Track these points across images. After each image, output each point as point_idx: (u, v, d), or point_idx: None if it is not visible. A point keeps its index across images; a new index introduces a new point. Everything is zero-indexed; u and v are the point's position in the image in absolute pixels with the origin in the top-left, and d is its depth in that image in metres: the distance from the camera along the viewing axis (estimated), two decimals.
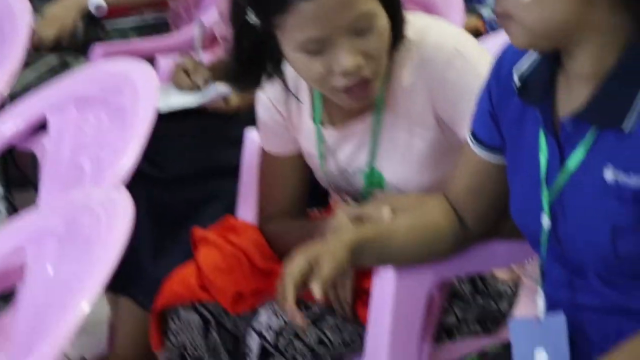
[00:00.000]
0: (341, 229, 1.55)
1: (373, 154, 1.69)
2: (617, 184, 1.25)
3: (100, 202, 1.42)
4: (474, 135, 1.45)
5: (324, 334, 1.63)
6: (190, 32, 2.71)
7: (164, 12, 2.94)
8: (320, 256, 1.40)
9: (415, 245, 1.49)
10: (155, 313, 1.80)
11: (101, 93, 1.86)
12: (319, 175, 1.78)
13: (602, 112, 1.26)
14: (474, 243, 1.53)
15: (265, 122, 1.79)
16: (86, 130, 1.86)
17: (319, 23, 1.51)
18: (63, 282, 1.37)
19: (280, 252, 1.76)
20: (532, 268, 1.89)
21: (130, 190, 1.41)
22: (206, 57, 2.46)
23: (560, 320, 1.33)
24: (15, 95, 2.37)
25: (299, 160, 1.79)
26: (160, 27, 2.91)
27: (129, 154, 1.67)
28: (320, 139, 1.73)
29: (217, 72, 2.25)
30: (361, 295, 1.63)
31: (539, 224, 1.33)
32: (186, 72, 2.31)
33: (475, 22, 2.97)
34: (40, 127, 1.99)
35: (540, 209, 1.33)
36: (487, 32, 2.92)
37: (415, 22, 1.65)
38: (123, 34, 2.89)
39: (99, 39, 2.81)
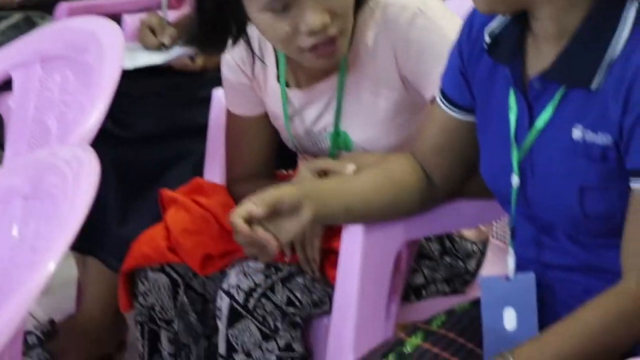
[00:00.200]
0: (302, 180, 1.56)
1: (338, 115, 1.69)
2: (585, 143, 1.26)
3: (66, 160, 1.40)
4: (444, 93, 1.46)
5: (293, 294, 1.64)
6: None
7: None
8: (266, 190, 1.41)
9: (380, 199, 1.49)
10: (123, 274, 1.79)
11: (66, 51, 1.84)
12: (285, 136, 1.78)
13: (569, 70, 1.26)
14: (442, 202, 1.53)
15: (231, 84, 1.78)
16: (52, 88, 1.85)
17: None
18: (29, 242, 1.36)
19: None
20: (500, 228, 1.91)
21: (96, 150, 1.40)
22: (173, 16, 2.44)
23: (529, 279, 1.34)
24: None
25: (266, 121, 1.79)
26: None
27: (94, 113, 1.66)
28: (286, 100, 1.72)
29: (184, 31, 2.24)
30: (330, 256, 1.64)
31: (509, 183, 1.34)
32: (152, 30, 2.29)
33: None
34: (5, 85, 1.97)
35: (509, 168, 1.33)
36: None
37: None
38: None
39: None
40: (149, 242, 1.75)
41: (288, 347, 1.64)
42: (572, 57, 1.26)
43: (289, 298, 1.64)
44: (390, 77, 1.64)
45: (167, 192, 1.82)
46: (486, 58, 1.36)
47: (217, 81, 1.90)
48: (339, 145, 1.72)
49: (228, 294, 1.64)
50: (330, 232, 1.63)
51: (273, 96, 1.75)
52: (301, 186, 1.45)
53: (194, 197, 1.79)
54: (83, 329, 2.23)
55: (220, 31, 1.63)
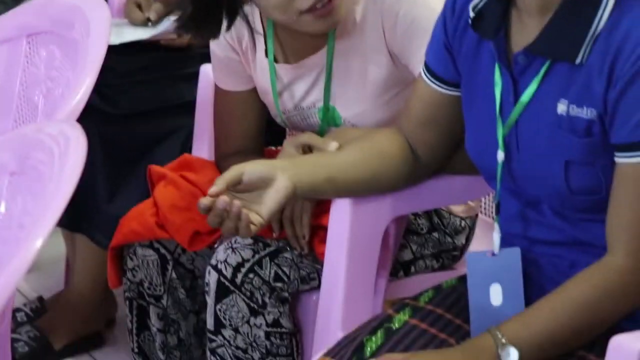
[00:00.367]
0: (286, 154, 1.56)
1: (327, 90, 1.70)
2: (569, 117, 1.27)
3: (53, 137, 1.41)
4: (428, 67, 1.46)
5: (281, 269, 1.66)
6: None
7: None
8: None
9: (363, 171, 1.49)
10: (112, 251, 1.81)
11: (53, 26, 1.84)
12: (274, 112, 1.79)
13: (554, 44, 1.27)
14: (428, 177, 1.54)
15: (220, 59, 1.79)
16: (37, 64, 1.85)
17: None
18: (16, 219, 1.37)
19: None
20: (489, 203, 1.93)
21: (83, 126, 1.41)
22: None
23: (515, 254, 1.36)
24: None
25: (254, 97, 1.80)
26: None
27: (81, 89, 1.66)
28: (274, 75, 1.73)
29: (171, 6, 2.23)
30: (319, 232, 1.65)
31: (494, 159, 1.35)
32: (139, 5, 2.29)
33: None
34: None
35: (495, 143, 1.35)
36: None
37: None
38: None
39: None
40: (137, 218, 1.76)
41: (276, 323, 1.65)
42: (557, 30, 1.27)
43: (276, 273, 1.65)
44: (379, 52, 1.65)
45: (155, 168, 1.82)
46: (471, 33, 1.37)
47: (205, 57, 1.91)
48: (328, 121, 1.73)
49: (216, 269, 1.65)
50: (320, 209, 1.65)
51: (262, 71, 1.75)
52: (276, 160, 1.44)
53: (182, 173, 1.80)
54: (72, 306, 2.25)
55: (214, 10, 1.63)
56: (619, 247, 1.25)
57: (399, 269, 1.74)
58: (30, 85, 1.85)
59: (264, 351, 1.66)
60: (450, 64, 1.43)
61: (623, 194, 1.25)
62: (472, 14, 1.36)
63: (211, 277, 1.66)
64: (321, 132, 1.74)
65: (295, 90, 1.73)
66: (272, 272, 1.65)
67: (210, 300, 1.66)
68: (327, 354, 1.38)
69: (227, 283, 1.64)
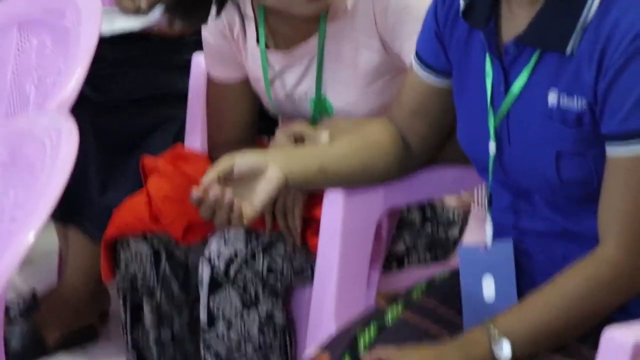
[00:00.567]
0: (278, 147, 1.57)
1: (319, 78, 1.72)
2: (560, 107, 1.29)
3: (45, 128, 1.42)
4: (419, 56, 1.48)
5: (274, 262, 1.68)
6: None
7: None
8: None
9: (355, 161, 1.50)
10: (105, 243, 1.82)
11: (44, 15, 1.85)
12: (266, 101, 1.81)
13: (544, 34, 1.29)
14: (420, 168, 1.56)
15: (212, 46, 1.80)
16: (29, 53, 1.86)
17: None
18: (8, 212, 1.39)
19: None
20: (481, 194, 1.94)
21: (75, 116, 1.43)
22: None
23: (507, 247, 1.38)
24: None
25: (246, 87, 1.82)
26: None
27: (73, 78, 1.67)
28: (266, 63, 1.75)
29: None
30: (312, 224, 1.67)
31: (486, 150, 1.37)
32: None
33: None
34: None
35: (486, 134, 1.36)
36: None
37: None
38: None
39: None
40: (130, 210, 1.78)
41: (269, 316, 1.67)
42: (546, 20, 1.28)
43: (269, 266, 1.67)
44: (370, 38, 1.66)
45: (148, 159, 1.84)
46: (462, 22, 1.39)
47: (197, 46, 1.92)
48: (320, 110, 1.74)
49: (209, 261, 1.67)
50: (312, 201, 1.67)
51: (253, 58, 1.77)
52: (267, 151, 1.46)
53: (176, 165, 1.82)
54: (65, 300, 2.26)
55: None
56: (610, 239, 1.27)
57: (392, 261, 1.76)
58: (21, 74, 1.86)
59: (257, 345, 1.68)
60: (441, 54, 1.44)
61: (614, 185, 1.26)
62: (462, 4, 1.37)
63: (204, 271, 1.68)
64: (313, 122, 1.76)
65: (287, 78, 1.75)
66: (265, 265, 1.67)
67: (203, 293, 1.68)
68: (320, 348, 1.40)
69: (219, 276, 1.67)
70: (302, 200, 1.66)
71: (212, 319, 1.68)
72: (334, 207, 1.55)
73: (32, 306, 2.28)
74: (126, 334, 1.86)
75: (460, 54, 1.41)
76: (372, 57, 1.68)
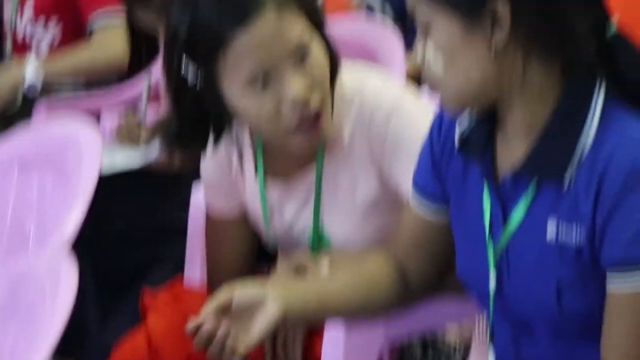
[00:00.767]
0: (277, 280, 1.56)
1: (317, 211, 1.71)
2: (559, 240, 1.28)
3: (45, 268, 1.42)
4: (417, 189, 1.47)
5: None
6: (138, 86, 2.73)
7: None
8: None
9: (354, 297, 1.49)
10: None
11: (44, 155, 1.87)
12: (265, 237, 1.80)
13: (541, 165, 1.28)
14: (421, 299, 1.54)
15: (210, 180, 1.80)
16: (29, 192, 1.86)
17: (259, 53, 1.54)
18: (6, 353, 1.37)
19: None
20: (482, 325, 1.92)
21: (75, 253, 1.42)
22: (154, 111, 2.48)
23: None
24: None
25: (245, 222, 1.81)
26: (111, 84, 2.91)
27: (73, 218, 1.68)
28: (265, 196, 1.75)
29: (162, 129, 2.27)
30: (312, 357, 1.65)
31: (486, 283, 1.35)
32: (129, 129, 2.33)
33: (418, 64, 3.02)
34: None
35: (486, 266, 1.35)
36: None
37: (355, 77, 1.68)
38: (70, 88, 2.90)
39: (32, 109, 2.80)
40: (129, 347, 1.75)
41: None
42: (543, 151, 1.28)
43: None
44: (367, 173, 1.66)
45: (147, 296, 1.82)
46: (458, 155, 1.38)
47: (196, 183, 1.93)
48: (319, 244, 1.73)
49: None
50: (313, 335, 1.65)
51: (251, 191, 1.77)
52: (267, 285, 1.46)
53: (174, 303, 1.80)
54: None
55: (201, 126, 1.65)
56: None
57: None
58: (22, 213, 1.86)
59: None
60: (438, 186, 1.44)
61: (616, 322, 1.25)
62: (458, 137, 1.37)
63: None
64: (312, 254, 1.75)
65: (285, 211, 1.75)
66: None
67: None
68: None
69: None
70: (302, 333, 1.64)
71: None
72: (334, 344, 1.53)
73: None
74: None
75: (457, 186, 1.40)
76: (369, 189, 1.67)
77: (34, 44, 2.89)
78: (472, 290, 1.41)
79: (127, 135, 2.30)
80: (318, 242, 1.73)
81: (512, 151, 1.32)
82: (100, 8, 2.78)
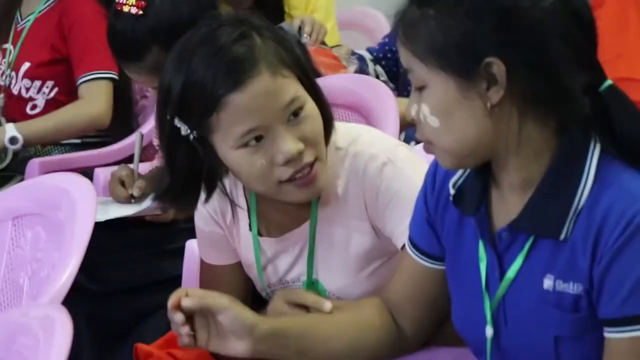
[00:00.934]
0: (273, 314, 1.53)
1: (310, 264, 1.70)
2: (556, 292, 1.27)
3: (39, 321, 1.40)
4: (413, 242, 1.46)
5: None
6: (129, 143, 2.73)
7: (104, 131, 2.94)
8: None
9: (340, 343, 1.47)
10: None
11: (38, 208, 1.86)
12: (259, 287, 1.78)
13: (537, 221, 1.27)
14: (415, 349, 1.51)
15: (205, 234, 1.79)
16: (23, 245, 1.85)
17: (253, 112, 1.53)
18: None
19: (224, 357, 1.76)
20: None
21: (69, 306, 1.41)
22: (146, 168, 2.48)
23: None
24: None
25: (240, 271, 1.79)
26: (103, 144, 2.91)
27: (66, 271, 1.66)
28: (258, 249, 1.73)
29: (154, 183, 2.27)
30: None
31: (483, 334, 1.33)
32: (122, 182, 2.33)
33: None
34: None
35: (482, 318, 1.33)
36: None
37: (349, 130, 1.68)
38: (62, 148, 2.90)
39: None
40: None
41: None
42: (539, 207, 1.27)
43: None
44: (361, 224, 1.65)
45: (142, 347, 1.80)
46: (453, 208, 1.37)
47: (189, 231, 1.91)
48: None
49: None
50: None
51: (245, 245, 1.76)
52: (270, 319, 1.43)
53: (169, 351, 1.78)
54: None
55: (193, 182, 1.64)
56: None
57: None
58: (15, 268, 1.85)
59: None
60: (434, 239, 1.43)
61: None
62: (452, 191, 1.36)
63: None
64: None
65: (279, 264, 1.73)
66: None
67: None
68: None
69: None
70: None
71: None
72: None
73: None
74: None
75: (452, 240, 1.39)
76: (363, 241, 1.66)
77: (29, 100, 2.90)
78: (468, 341, 1.39)
79: (119, 188, 2.29)
80: (313, 290, 1.71)
81: (507, 206, 1.31)
82: (91, 69, 2.80)
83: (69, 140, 2.89)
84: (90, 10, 2.82)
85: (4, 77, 2.91)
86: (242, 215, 1.75)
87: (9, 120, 2.84)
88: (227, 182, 1.68)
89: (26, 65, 2.88)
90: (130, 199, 2.29)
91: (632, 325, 1.21)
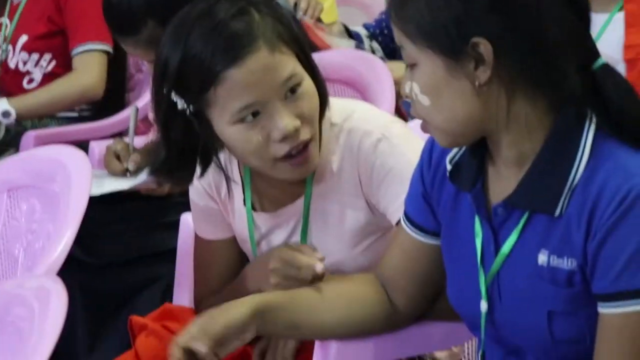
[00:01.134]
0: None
1: (305, 239, 1.69)
2: (550, 268, 1.26)
3: (34, 292, 1.40)
4: (408, 217, 1.46)
5: None
6: (124, 116, 2.72)
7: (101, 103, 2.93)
8: (214, 316, 1.41)
9: (331, 317, 1.47)
10: None
11: (33, 180, 1.85)
12: (253, 261, 1.78)
13: (532, 197, 1.27)
14: (409, 323, 1.51)
15: (199, 208, 1.78)
16: (18, 217, 1.85)
17: (250, 88, 1.52)
18: None
19: None
20: (471, 348, 1.91)
21: (64, 279, 1.40)
22: (141, 141, 2.47)
23: None
24: None
25: (234, 244, 1.79)
26: (98, 117, 2.90)
27: (61, 242, 1.66)
28: (252, 224, 1.73)
29: (150, 157, 2.26)
30: None
31: (477, 308, 1.33)
32: (117, 156, 2.31)
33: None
34: None
35: (477, 293, 1.33)
36: None
37: (344, 105, 1.67)
38: (58, 121, 2.89)
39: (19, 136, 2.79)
40: None
41: None
42: (534, 183, 1.26)
43: None
44: (356, 200, 1.64)
45: (136, 319, 1.79)
46: (449, 183, 1.37)
47: (184, 205, 1.91)
48: None
49: None
50: (304, 349, 1.62)
51: (240, 220, 1.75)
52: (253, 301, 1.43)
53: (164, 323, 1.77)
54: None
55: (188, 156, 1.63)
56: None
57: None
58: (10, 239, 1.84)
59: None
60: (429, 214, 1.42)
61: (607, 345, 1.22)
62: (449, 167, 1.36)
63: None
64: None
65: (274, 239, 1.72)
66: None
67: None
68: None
69: None
70: (292, 348, 1.61)
71: None
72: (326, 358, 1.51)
73: None
74: None
75: (448, 215, 1.38)
76: (358, 218, 1.65)
77: (26, 74, 2.88)
78: (463, 315, 1.39)
79: (114, 161, 2.28)
80: None
81: (503, 182, 1.31)
82: (85, 40, 2.78)
83: (66, 114, 2.87)
84: None
85: (0, 51, 2.89)
86: (237, 190, 1.74)
87: (5, 95, 2.82)
88: (222, 156, 1.67)
89: (23, 38, 2.86)
90: (126, 173, 2.28)
91: (625, 300, 1.21)
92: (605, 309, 1.23)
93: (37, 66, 2.87)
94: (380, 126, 1.63)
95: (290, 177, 1.60)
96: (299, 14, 2.79)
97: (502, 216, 1.30)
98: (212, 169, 1.68)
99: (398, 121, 1.70)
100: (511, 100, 1.25)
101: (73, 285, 1.89)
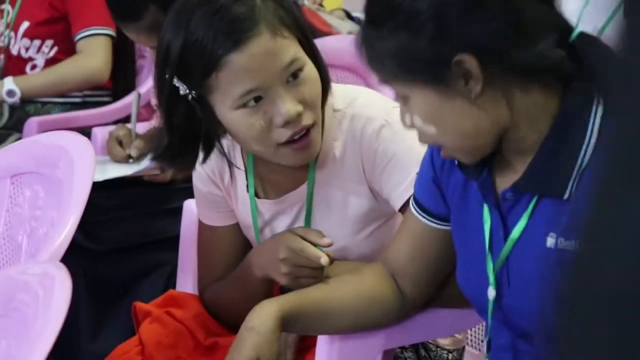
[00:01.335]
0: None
1: (309, 225, 1.67)
2: (558, 250, 1.25)
3: (38, 278, 1.39)
4: (417, 202, 1.44)
5: None
6: (127, 103, 2.70)
7: (105, 89, 2.92)
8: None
9: (353, 313, 1.47)
10: None
11: (37, 166, 1.83)
12: (256, 247, 1.77)
13: (541, 181, 1.26)
14: (417, 311, 1.51)
15: (203, 194, 1.77)
16: (21, 204, 1.83)
17: (253, 73, 1.50)
18: None
19: (221, 315, 1.74)
20: (475, 334, 1.90)
21: (67, 264, 1.39)
22: (143, 128, 2.46)
23: None
24: None
25: (237, 231, 1.78)
26: (104, 103, 2.89)
27: (65, 228, 1.64)
28: (256, 211, 1.72)
29: (152, 142, 2.25)
30: None
31: (485, 294, 1.32)
32: (120, 142, 2.30)
33: None
34: None
35: (485, 278, 1.32)
36: None
37: (347, 91, 1.65)
38: (62, 108, 2.88)
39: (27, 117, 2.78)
40: (122, 357, 1.72)
41: None
42: (544, 166, 1.25)
43: None
44: (359, 187, 1.63)
45: (140, 305, 1.79)
46: (458, 171, 1.35)
47: (187, 191, 1.90)
48: None
49: None
50: (305, 344, 1.62)
51: (243, 206, 1.74)
52: (281, 309, 1.43)
53: (167, 310, 1.77)
54: None
55: (191, 142, 1.62)
56: None
57: None
58: (14, 226, 1.83)
59: None
60: (439, 199, 1.40)
61: None
62: None
63: None
64: None
65: (277, 225, 1.71)
66: None
67: None
68: None
69: None
70: (294, 343, 1.61)
71: None
72: (327, 353, 1.50)
73: None
74: None
75: (458, 200, 1.37)
76: (361, 204, 1.63)
77: (28, 60, 2.87)
78: (471, 300, 1.38)
79: (117, 148, 2.27)
80: None
81: (511, 167, 1.29)
82: (88, 25, 2.77)
83: (70, 99, 2.86)
84: None
85: (2, 38, 2.88)
86: (240, 176, 1.73)
87: None
88: (225, 142, 1.66)
89: (25, 24, 2.84)
90: (128, 159, 2.27)
91: None
92: None
93: (39, 52, 2.86)
94: (383, 112, 1.61)
95: (292, 162, 1.59)
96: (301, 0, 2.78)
97: (510, 201, 1.29)
98: (215, 155, 1.67)
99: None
100: (509, 98, 1.23)
101: (76, 272, 1.87)
